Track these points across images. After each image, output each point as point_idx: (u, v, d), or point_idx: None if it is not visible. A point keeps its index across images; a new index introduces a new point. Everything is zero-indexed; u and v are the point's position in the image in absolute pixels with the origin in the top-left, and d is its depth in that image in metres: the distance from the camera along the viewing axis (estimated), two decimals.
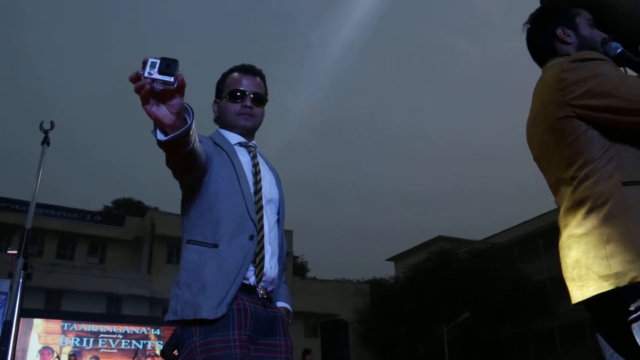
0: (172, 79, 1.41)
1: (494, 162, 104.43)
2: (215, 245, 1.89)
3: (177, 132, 1.51)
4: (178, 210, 2.15)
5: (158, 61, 1.41)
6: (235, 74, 2.16)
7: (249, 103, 2.11)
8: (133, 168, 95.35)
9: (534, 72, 1.98)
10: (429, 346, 27.18)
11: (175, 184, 2.00)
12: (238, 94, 2.10)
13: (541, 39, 1.96)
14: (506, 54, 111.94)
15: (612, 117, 1.64)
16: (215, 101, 2.19)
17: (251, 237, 1.94)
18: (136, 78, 1.43)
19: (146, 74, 1.41)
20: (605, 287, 1.54)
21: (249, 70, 2.18)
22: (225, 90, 2.13)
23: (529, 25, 2.03)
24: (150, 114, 1.48)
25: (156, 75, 1.41)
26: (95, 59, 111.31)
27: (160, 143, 1.55)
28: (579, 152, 1.69)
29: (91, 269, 26.15)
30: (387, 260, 42.26)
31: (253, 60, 2.20)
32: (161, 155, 1.66)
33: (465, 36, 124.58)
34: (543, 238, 33.00)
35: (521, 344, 28.05)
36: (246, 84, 2.13)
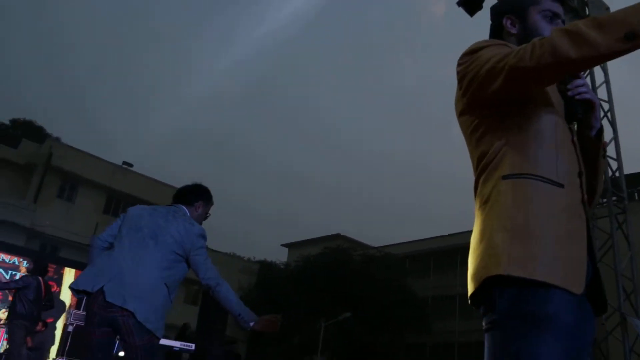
0: None
1: (405, 177, 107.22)
2: None
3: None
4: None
5: None
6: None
7: None
8: (42, 89, 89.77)
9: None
10: (304, 337, 27.36)
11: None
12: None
13: (491, 31, 1.82)
14: (440, 76, 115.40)
15: (481, 93, 1.52)
16: (206, 205, 3.50)
17: None
18: None
19: None
20: (470, 288, 1.43)
21: None
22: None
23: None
24: None
25: None
26: None
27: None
28: (475, 149, 1.59)
29: None
30: (282, 245, 42.24)
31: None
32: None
33: (407, 49, 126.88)
34: (435, 259, 34.31)
35: (394, 353, 28.88)
36: None
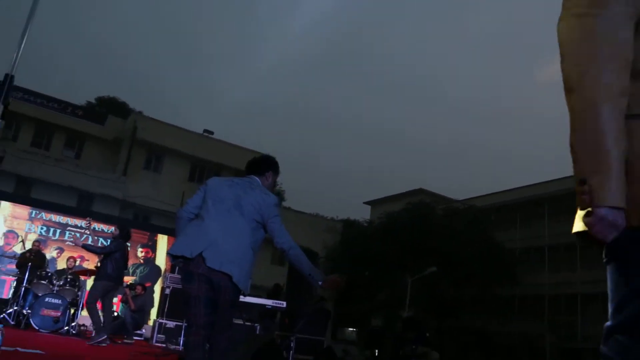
0: None
1: (492, 125, 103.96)
2: None
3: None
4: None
5: None
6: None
7: None
8: (123, 67, 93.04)
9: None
10: (389, 293, 27.47)
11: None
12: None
13: None
14: (526, 21, 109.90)
15: None
16: (274, 175, 3.82)
17: None
18: None
19: None
20: (577, 227, 1.27)
21: None
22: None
23: None
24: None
25: None
26: None
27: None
28: None
29: (66, 162, 25.51)
30: (365, 203, 42.32)
31: None
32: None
33: None
34: (521, 210, 33.23)
35: (480, 306, 28.53)
36: None
